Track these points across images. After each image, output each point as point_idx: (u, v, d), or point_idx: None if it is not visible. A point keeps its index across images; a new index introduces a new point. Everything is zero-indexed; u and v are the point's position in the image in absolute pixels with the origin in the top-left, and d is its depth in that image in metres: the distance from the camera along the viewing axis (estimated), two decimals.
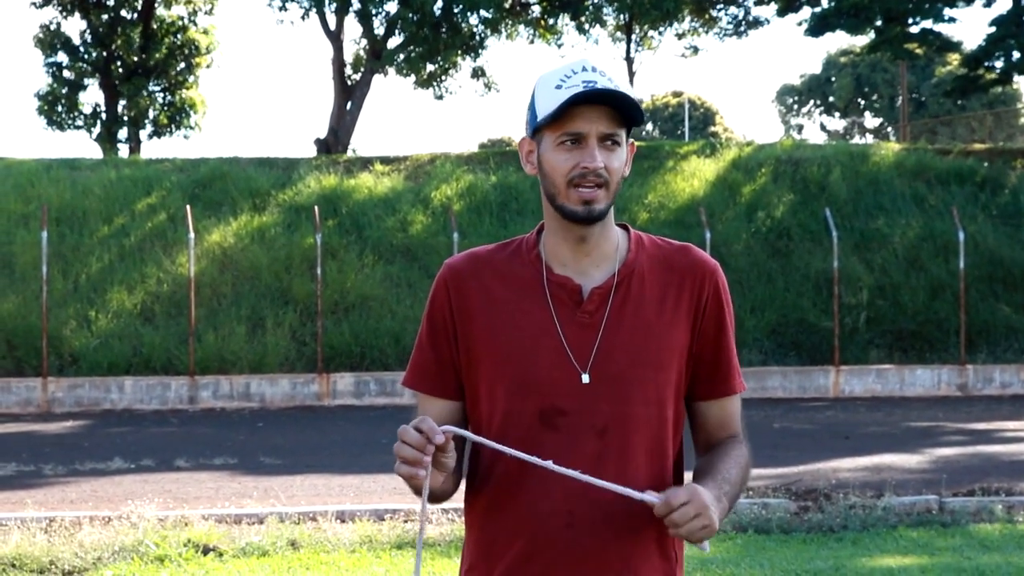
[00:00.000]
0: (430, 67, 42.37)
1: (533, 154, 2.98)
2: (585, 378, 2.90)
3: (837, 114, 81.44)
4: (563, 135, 2.90)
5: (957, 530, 11.22)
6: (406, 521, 11.25)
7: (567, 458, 2.86)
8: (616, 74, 2.93)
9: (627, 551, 2.91)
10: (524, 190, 29.85)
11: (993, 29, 37.82)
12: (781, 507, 11.79)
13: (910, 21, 37.80)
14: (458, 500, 3.13)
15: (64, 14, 45.17)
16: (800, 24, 39.66)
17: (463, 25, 40.99)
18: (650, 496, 2.80)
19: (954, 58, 52.92)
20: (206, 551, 10.15)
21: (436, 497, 2.93)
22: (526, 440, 2.90)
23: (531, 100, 2.96)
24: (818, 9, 38.26)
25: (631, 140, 2.99)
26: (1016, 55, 37.79)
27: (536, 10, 43.36)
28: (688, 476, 3.01)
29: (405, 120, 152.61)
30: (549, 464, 2.82)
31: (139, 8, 44.98)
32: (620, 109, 2.89)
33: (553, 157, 2.92)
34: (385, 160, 33.51)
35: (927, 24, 38.03)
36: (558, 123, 2.89)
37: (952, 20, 37.94)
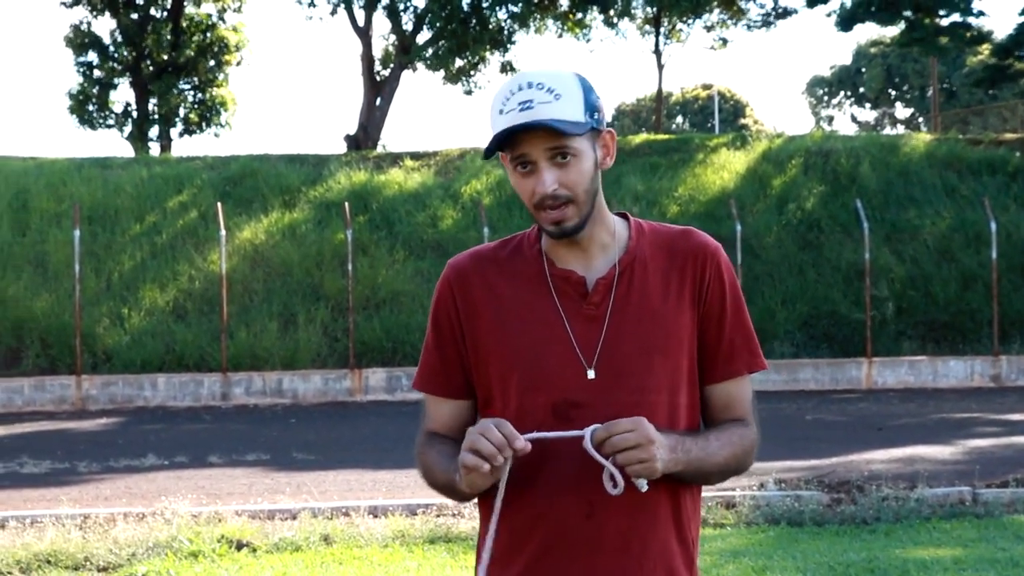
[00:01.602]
0: (459, 62, 42.37)
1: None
2: (591, 373, 2.90)
3: (868, 105, 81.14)
4: (514, 159, 2.90)
5: (991, 521, 11.18)
6: (438, 516, 11.27)
7: (581, 452, 2.87)
8: (561, 80, 2.87)
9: (646, 538, 2.92)
10: None
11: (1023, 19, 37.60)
12: (814, 499, 11.76)
13: (940, 14, 37.60)
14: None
15: (94, 14, 45.35)
16: (829, 15, 39.50)
17: (491, 20, 40.99)
18: (587, 430, 2.80)
19: (985, 48, 52.61)
20: (239, 547, 10.19)
21: (464, 496, 2.95)
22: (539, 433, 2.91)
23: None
24: (848, 1, 38.11)
25: (606, 129, 2.96)
26: None
27: (564, 4, 43.31)
28: None
29: (434, 115, 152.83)
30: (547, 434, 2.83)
31: (169, 7, 45.13)
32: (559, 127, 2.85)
33: (515, 181, 2.94)
34: (415, 155, 33.55)
35: (957, 17, 37.82)
36: (508, 148, 2.90)
37: (982, 13, 37.74)
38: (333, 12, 42.00)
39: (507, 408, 2.96)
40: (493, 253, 3.07)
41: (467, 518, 11.04)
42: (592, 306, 2.94)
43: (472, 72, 43.27)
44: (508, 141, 2.88)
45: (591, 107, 2.89)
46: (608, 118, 2.98)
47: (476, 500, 3.05)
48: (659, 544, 2.94)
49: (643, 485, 2.81)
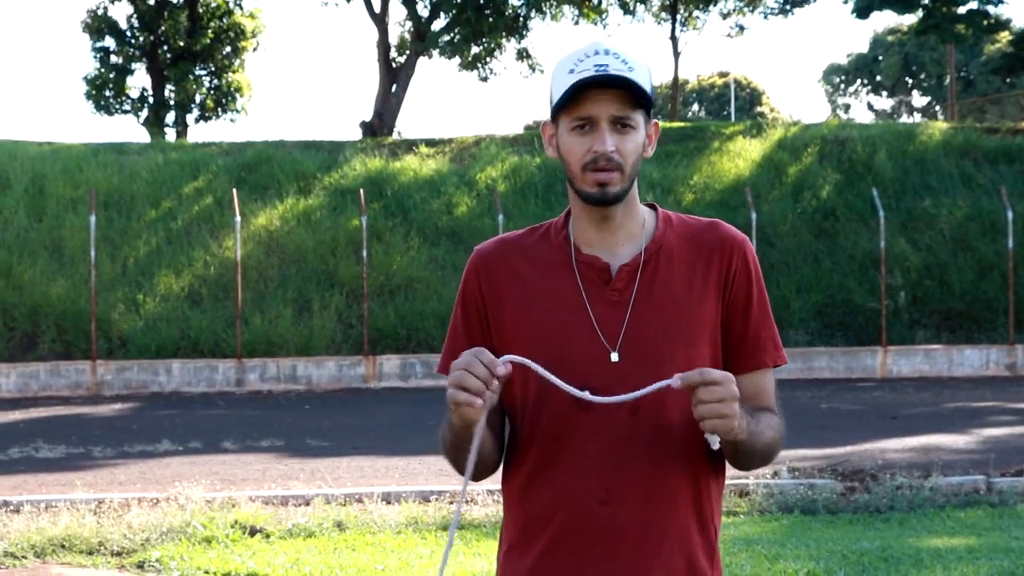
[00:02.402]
0: (475, 49, 42.33)
1: (554, 138, 3.00)
2: (614, 356, 2.91)
3: (884, 93, 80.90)
4: (575, 119, 2.92)
5: (1005, 510, 11.17)
6: (451, 502, 11.28)
7: (599, 436, 2.88)
8: (633, 56, 2.93)
9: (665, 526, 2.91)
10: None
11: None
12: (827, 488, 11.76)
13: (957, 1, 37.45)
14: (496, 481, 3.14)
15: None
16: (846, 3, 39.37)
17: (507, 6, 40.94)
18: (675, 378, 2.78)
19: (1004, 36, 52.41)
20: (253, 532, 10.21)
21: (478, 473, 2.95)
22: (559, 418, 2.92)
23: (551, 84, 2.98)
24: None
25: (654, 120, 2.99)
26: None
27: None
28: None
29: (450, 102, 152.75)
30: (586, 395, 2.81)
31: None
32: (632, 95, 2.90)
33: (568, 141, 2.94)
34: (430, 142, 33.54)
35: (974, 5, 37.67)
36: (570, 108, 2.91)
37: (1000, 1, 37.60)
38: None
39: (527, 393, 2.97)
40: (520, 240, 3.09)
41: (480, 505, 11.05)
42: (615, 292, 2.96)
43: (488, 59, 43.23)
44: (573, 100, 2.91)
45: (652, 90, 2.96)
46: None
47: (500, 485, 3.08)
48: (677, 532, 2.94)
49: (715, 442, 2.81)
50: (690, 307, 2.96)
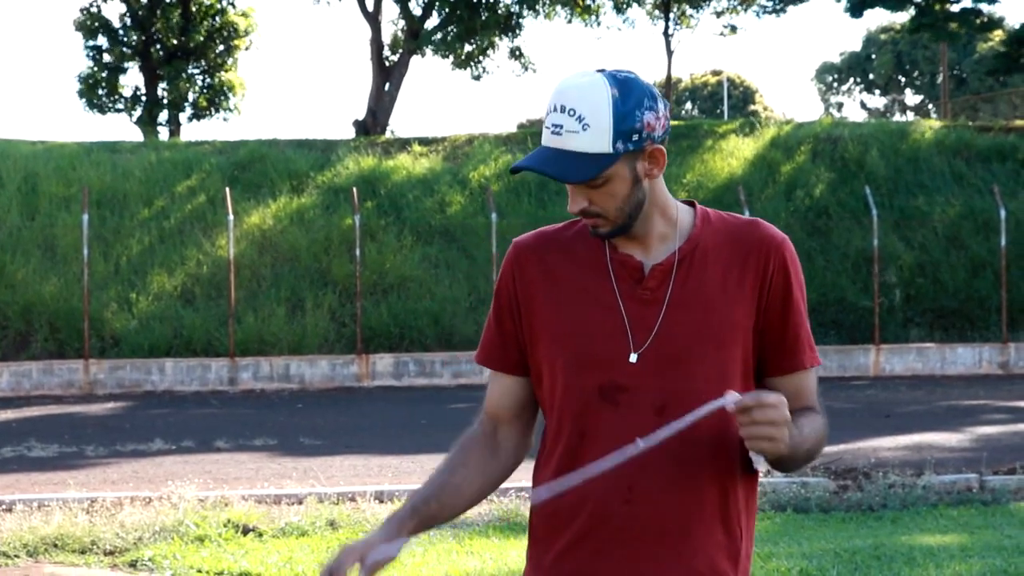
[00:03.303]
0: (467, 47, 42.32)
1: None
2: (636, 357, 2.90)
3: (877, 92, 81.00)
4: None
5: (998, 509, 11.17)
6: None
7: (625, 434, 2.86)
8: (595, 103, 2.85)
9: (688, 527, 2.90)
10: None
11: None
12: (820, 486, 11.76)
13: (950, 0, 37.49)
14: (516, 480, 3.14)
15: None
16: (839, 1, 39.39)
17: (500, 5, 40.94)
18: (728, 397, 2.76)
19: (997, 34, 52.45)
20: (246, 531, 10.20)
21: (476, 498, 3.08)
22: (585, 415, 2.92)
23: None
24: None
25: (654, 146, 2.90)
26: None
27: None
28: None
29: (443, 101, 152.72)
30: (635, 447, 2.81)
31: None
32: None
33: None
34: (423, 141, 33.53)
35: (968, 3, 37.71)
36: None
37: (993, 0, 37.64)
38: None
39: (555, 387, 2.98)
40: (557, 234, 3.09)
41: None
42: (648, 291, 2.94)
43: (481, 57, 43.21)
44: None
45: (627, 132, 2.86)
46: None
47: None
48: (701, 534, 2.91)
49: (760, 462, 2.80)
50: (723, 308, 2.93)
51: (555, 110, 2.88)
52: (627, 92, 2.86)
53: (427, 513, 3.00)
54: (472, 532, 10.16)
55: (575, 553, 2.94)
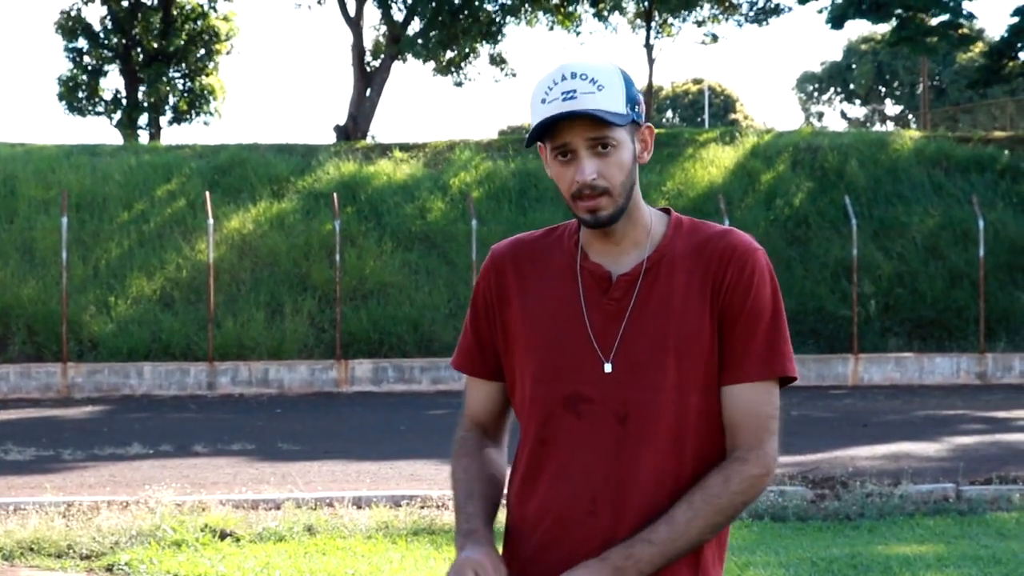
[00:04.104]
0: (449, 53, 42.35)
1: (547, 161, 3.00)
2: (608, 367, 2.91)
3: (858, 101, 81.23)
4: (555, 148, 2.91)
5: (974, 518, 11.20)
6: (422, 507, 11.27)
7: (590, 445, 2.88)
8: (604, 69, 2.90)
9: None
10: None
11: (1016, 19, 37.64)
12: (798, 495, 11.78)
13: (930, 13, 37.62)
14: None
15: (85, 0, 45.25)
16: (821, 12, 39.49)
17: (482, 11, 40.96)
18: None
19: (976, 47, 52.62)
20: (223, 536, 10.18)
21: None
22: (548, 424, 2.93)
23: (530, 112, 2.97)
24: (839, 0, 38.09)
25: (646, 124, 2.98)
26: None
27: None
28: None
29: (424, 107, 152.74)
30: None
31: None
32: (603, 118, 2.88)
33: (554, 171, 2.94)
34: (404, 147, 33.52)
35: (946, 17, 37.84)
36: (549, 136, 2.91)
37: (971, 16, 37.78)
38: (321, 1, 41.96)
39: (524, 397, 3.00)
40: (533, 241, 3.10)
41: (451, 511, 11.03)
42: (612, 302, 2.95)
43: (462, 63, 43.26)
44: (549, 131, 2.90)
45: (632, 100, 2.92)
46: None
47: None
48: None
49: None
50: (685, 318, 2.92)
51: (564, 79, 2.89)
52: (621, 70, 2.94)
53: (493, 516, 3.01)
54: (449, 539, 10.15)
55: (540, 561, 2.95)
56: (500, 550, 3.04)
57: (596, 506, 2.89)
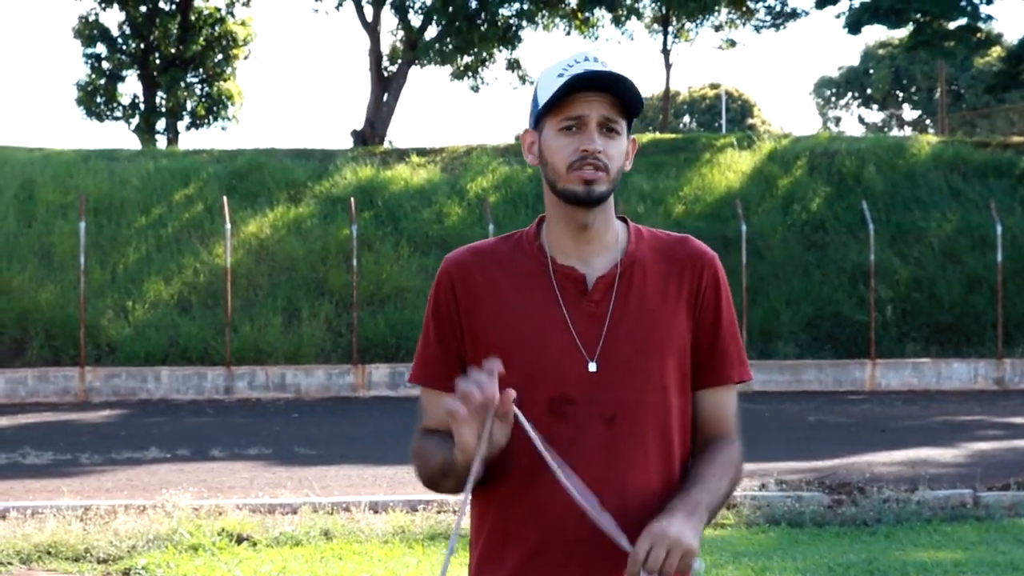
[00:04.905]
0: (466, 59, 42.38)
1: (535, 144, 3.01)
2: (592, 366, 2.92)
3: (875, 106, 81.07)
4: (564, 119, 2.92)
5: (992, 524, 11.18)
6: (439, 512, 11.28)
7: (578, 447, 2.89)
8: (620, 65, 2.94)
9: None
10: None
11: None
12: (815, 500, 11.76)
13: (948, 17, 37.49)
14: None
15: (103, 5, 45.36)
16: (838, 17, 39.42)
17: (499, 16, 40.97)
18: (624, 542, 2.80)
19: (994, 51, 52.51)
20: (240, 540, 10.20)
21: (458, 475, 2.89)
22: (536, 430, 2.89)
23: (534, 92, 3.00)
24: (856, 3, 38.00)
25: (632, 137, 3.01)
26: None
27: (572, 2, 43.29)
28: None
29: (441, 112, 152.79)
30: (558, 474, 2.81)
31: (177, 0, 45.15)
32: (621, 99, 2.92)
33: (555, 143, 2.95)
34: (421, 152, 33.55)
35: (964, 21, 37.71)
36: (559, 108, 2.92)
37: (990, 18, 37.68)
38: (338, 6, 42.04)
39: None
40: (493, 248, 3.08)
41: (467, 515, 11.02)
42: (592, 303, 2.96)
43: (479, 69, 43.26)
44: (564, 100, 2.92)
45: (641, 102, 2.97)
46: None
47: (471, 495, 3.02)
48: None
49: (699, 565, 2.82)
50: (664, 320, 2.97)
51: (586, 59, 2.94)
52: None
53: None
54: (465, 544, 10.13)
55: (531, 569, 2.94)
56: (470, 561, 3.04)
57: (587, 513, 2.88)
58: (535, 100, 2.99)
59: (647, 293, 2.98)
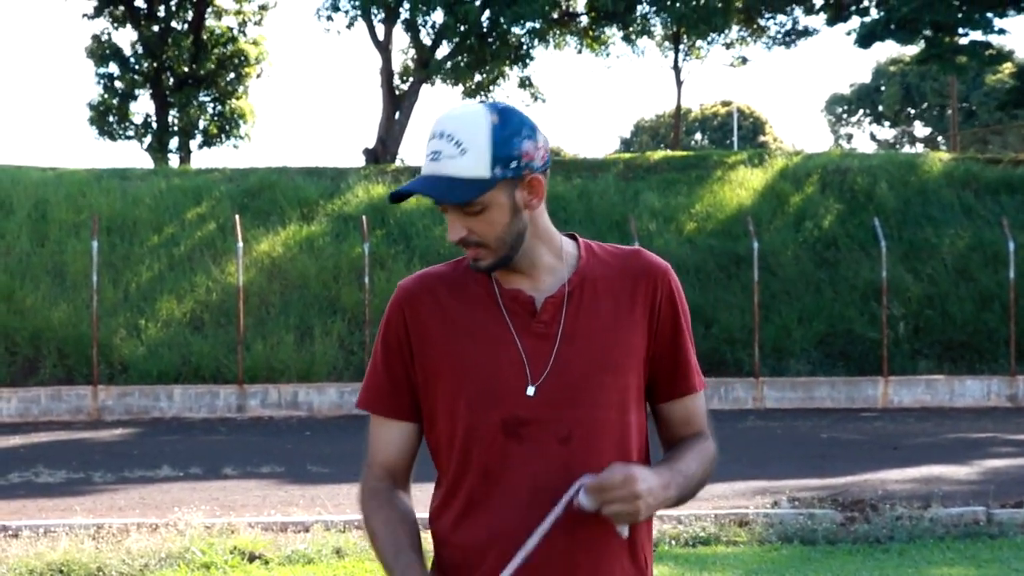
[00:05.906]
0: (477, 77, 42.45)
1: None
2: (534, 390, 2.90)
3: (887, 123, 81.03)
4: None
5: (1004, 542, 11.15)
6: None
7: (531, 467, 2.88)
8: (476, 127, 2.87)
9: (596, 556, 2.91)
10: (571, 199, 29.80)
11: None
12: (827, 518, 11.74)
13: (959, 32, 37.49)
14: None
15: (115, 25, 45.56)
16: (849, 34, 39.43)
17: (510, 35, 41.04)
18: (583, 497, 2.79)
19: (1006, 67, 52.45)
20: (252, 559, 10.20)
21: None
22: (490, 451, 2.92)
23: None
24: (867, 19, 38.01)
25: (532, 176, 2.90)
26: None
27: (584, 20, 43.37)
28: None
29: None
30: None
31: (189, 19, 45.32)
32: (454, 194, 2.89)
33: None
34: None
35: (976, 35, 37.69)
36: None
37: (1003, 31, 37.66)
38: (350, 25, 42.14)
39: (456, 429, 2.96)
40: (443, 274, 3.07)
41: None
42: (542, 324, 2.95)
43: (491, 87, 43.33)
44: None
45: (505, 158, 2.86)
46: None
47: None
48: (609, 565, 2.93)
49: (624, 531, 2.85)
50: (618, 336, 2.96)
51: (434, 137, 2.91)
52: (506, 120, 2.88)
53: (424, 565, 2.98)
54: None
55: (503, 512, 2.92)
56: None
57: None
58: None
59: (599, 309, 2.97)
